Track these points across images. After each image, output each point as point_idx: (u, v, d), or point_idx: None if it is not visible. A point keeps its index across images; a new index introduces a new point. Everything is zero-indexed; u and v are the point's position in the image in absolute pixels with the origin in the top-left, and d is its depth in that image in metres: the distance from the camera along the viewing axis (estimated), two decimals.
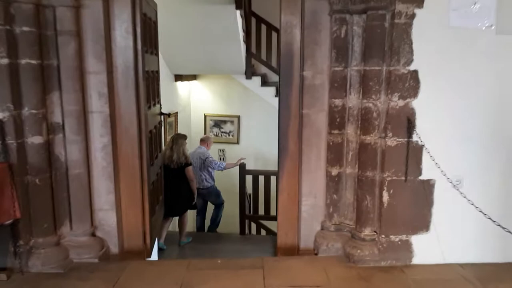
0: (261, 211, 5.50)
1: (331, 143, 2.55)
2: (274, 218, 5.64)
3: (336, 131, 2.53)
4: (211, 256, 4.86)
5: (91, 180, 2.57)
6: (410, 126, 2.30)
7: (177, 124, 6.35)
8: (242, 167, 5.34)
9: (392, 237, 2.43)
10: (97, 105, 2.50)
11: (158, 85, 3.40)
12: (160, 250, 4.44)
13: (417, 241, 2.43)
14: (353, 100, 2.47)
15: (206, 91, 7.31)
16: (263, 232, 5.89)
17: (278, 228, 2.83)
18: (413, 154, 2.33)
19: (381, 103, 2.35)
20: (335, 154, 2.55)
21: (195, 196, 4.78)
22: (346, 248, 2.53)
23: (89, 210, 2.57)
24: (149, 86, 2.94)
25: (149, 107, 2.95)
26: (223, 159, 7.41)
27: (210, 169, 5.35)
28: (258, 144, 7.29)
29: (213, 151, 7.16)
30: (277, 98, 6.24)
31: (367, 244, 2.46)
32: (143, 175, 2.74)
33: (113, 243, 2.67)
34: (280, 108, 2.72)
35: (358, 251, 2.45)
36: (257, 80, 6.25)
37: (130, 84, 2.59)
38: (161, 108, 3.53)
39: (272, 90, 6.23)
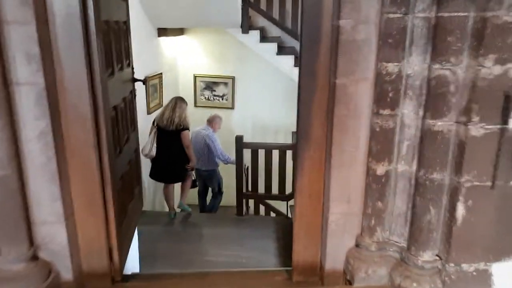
0: (261, 189, 4.77)
1: (377, 128, 1.74)
2: (276, 197, 4.99)
3: (385, 111, 1.70)
4: (205, 242, 4.19)
5: (25, 184, 1.75)
6: (508, 106, 1.49)
7: (162, 87, 5.45)
8: (239, 139, 4.53)
9: (465, 265, 1.69)
10: (25, 73, 1.63)
11: (127, 41, 2.51)
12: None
13: (500, 271, 1.69)
14: (415, 64, 1.62)
15: (195, 48, 6.34)
16: (261, 210, 5.21)
17: (294, 240, 2.08)
18: (507, 149, 1.54)
19: (463, 70, 1.52)
20: (382, 144, 1.75)
21: (194, 162, 4.50)
22: (395, 277, 1.78)
23: (24, 226, 1.77)
24: (110, 43, 2.05)
25: (112, 73, 2.08)
26: None
27: (212, 153, 4.94)
28: (256, 110, 6.45)
29: (204, 117, 6.35)
30: (279, 57, 5.39)
31: (427, 274, 1.72)
32: (103, 170, 1.92)
33: (64, 267, 1.90)
34: (300, 75, 1.87)
35: (414, 284, 1.71)
36: (255, 34, 5.29)
37: (76, 40, 1.70)
38: (133, 71, 2.65)
39: (273, 47, 5.30)
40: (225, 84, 6.42)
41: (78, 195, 1.89)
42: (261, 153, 4.55)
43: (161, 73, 5.39)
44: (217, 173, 5.24)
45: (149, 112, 4.99)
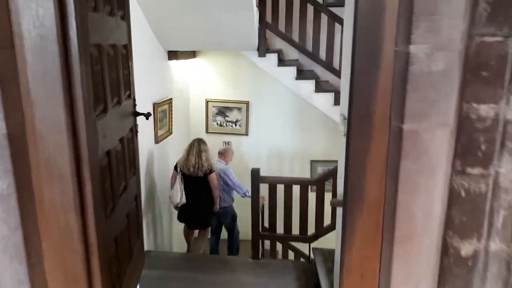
0: (280, 228, 4.26)
1: (461, 193, 1.26)
2: (297, 239, 4.48)
3: (475, 169, 1.23)
4: None
5: None
6: None
7: (171, 113, 5.04)
8: (255, 173, 4.05)
9: None
10: None
11: (128, 68, 2.09)
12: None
13: None
14: None
15: (208, 72, 5.96)
16: (278, 250, 4.68)
17: None
18: None
19: None
20: (469, 215, 1.26)
21: (217, 206, 4.41)
22: None
23: None
24: (102, 72, 1.62)
25: (104, 110, 1.64)
26: None
27: (229, 187, 4.65)
28: (272, 137, 5.99)
29: (216, 144, 5.92)
30: (298, 82, 4.97)
31: None
32: (88, 238, 1.46)
33: None
34: (350, 116, 1.41)
35: None
36: (272, 58, 4.88)
37: (51, 69, 1.26)
38: (135, 104, 2.22)
39: (291, 70, 4.88)
40: (239, 109, 6.00)
41: (54, 274, 1.43)
42: (280, 188, 4.07)
43: (171, 98, 4.99)
44: (232, 208, 4.86)
45: (157, 141, 4.57)
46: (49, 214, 1.37)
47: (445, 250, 1.31)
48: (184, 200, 4.24)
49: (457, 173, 1.25)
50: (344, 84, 2.39)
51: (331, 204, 2.47)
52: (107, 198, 1.63)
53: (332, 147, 5.86)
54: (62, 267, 1.43)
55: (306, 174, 6.00)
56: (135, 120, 2.22)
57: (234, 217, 4.89)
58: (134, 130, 2.18)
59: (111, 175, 1.70)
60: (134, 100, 2.20)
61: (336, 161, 5.77)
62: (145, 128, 4.21)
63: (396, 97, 1.31)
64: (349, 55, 1.39)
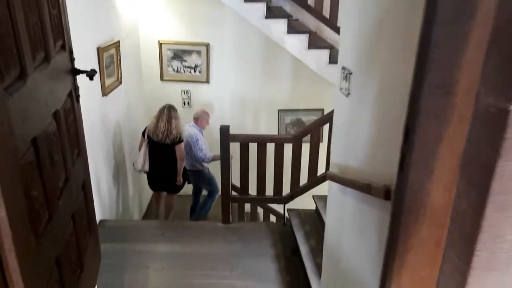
0: (253, 190, 3.87)
1: None
2: (272, 200, 4.12)
3: None
4: (184, 267, 3.29)
5: None
6: None
7: (120, 59, 4.28)
8: (224, 131, 3.55)
9: None
10: None
11: (58, 5, 1.42)
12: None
13: None
14: None
15: (160, 7, 5.11)
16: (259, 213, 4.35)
17: None
18: None
19: None
20: None
21: (179, 177, 4.23)
22: None
23: None
24: (11, 15, 0.99)
25: (21, 75, 1.04)
26: (188, 103, 5.51)
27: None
28: (236, 85, 5.41)
29: (173, 93, 5.28)
30: (268, 21, 4.32)
31: None
32: (7, 278, 0.94)
33: None
34: (417, 82, 0.92)
35: None
36: None
37: None
38: (72, 57, 1.58)
39: (260, 8, 4.21)
40: (198, 52, 5.29)
41: None
42: (252, 146, 3.61)
43: (118, 41, 4.20)
44: (205, 172, 4.55)
45: (105, 93, 3.86)
46: None
47: None
48: (146, 168, 4.17)
49: None
50: (350, 28, 1.87)
51: (327, 178, 2.05)
52: (37, 211, 1.08)
53: (303, 95, 5.41)
54: None
55: (273, 124, 5.57)
56: (74, 81, 1.59)
57: (209, 180, 4.61)
58: (73, 95, 1.57)
59: (42, 174, 1.14)
60: (71, 52, 1.56)
61: (312, 110, 5.29)
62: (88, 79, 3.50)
63: (496, 62, 0.83)
64: None
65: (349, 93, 1.90)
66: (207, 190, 4.71)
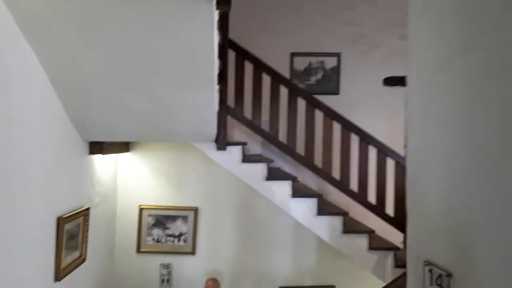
0: None
1: None
2: None
3: None
4: None
5: None
6: None
7: (86, 230, 3.45)
8: None
9: None
10: None
11: None
12: None
13: None
14: None
15: (144, 170, 4.55)
16: None
17: None
18: None
19: None
20: None
21: None
22: None
23: None
24: None
25: None
26: (168, 281, 4.48)
27: None
28: (228, 257, 4.51)
29: (149, 268, 4.32)
30: (270, 183, 3.58)
31: None
32: None
33: None
34: None
35: None
36: (235, 152, 3.67)
37: None
38: None
39: (260, 169, 3.67)
40: (184, 218, 4.53)
41: None
42: None
43: (87, 208, 3.45)
44: None
45: (58, 277, 2.91)
46: None
47: None
48: None
49: None
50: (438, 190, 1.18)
51: None
52: None
53: (309, 268, 4.51)
54: None
55: None
56: None
57: None
58: None
59: None
60: None
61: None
62: (35, 257, 2.61)
63: None
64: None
65: None
66: None
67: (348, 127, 3.55)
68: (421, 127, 1.27)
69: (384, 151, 3.49)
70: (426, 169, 1.21)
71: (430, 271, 1.08)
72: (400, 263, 3.44)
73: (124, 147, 4.32)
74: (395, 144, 3.56)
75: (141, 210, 4.50)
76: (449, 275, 1.01)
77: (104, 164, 3.99)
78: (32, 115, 2.53)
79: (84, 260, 3.42)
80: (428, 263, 1.10)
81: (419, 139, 1.28)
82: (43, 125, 2.69)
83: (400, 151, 3.52)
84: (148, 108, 3.08)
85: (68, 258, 3.14)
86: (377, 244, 3.56)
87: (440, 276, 1.04)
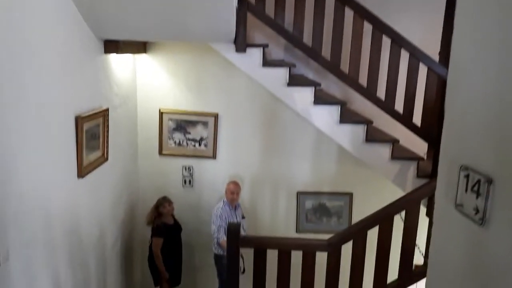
0: None
1: None
2: None
3: None
4: None
5: None
6: None
7: (107, 130, 3.48)
8: (233, 229, 2.60)
9: None
10: None
11: None
12: None
13: None
14: None
15: (162, 72, 4.43)
16: None
17: None
18: None
19: None
20: None
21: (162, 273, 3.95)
22: None
23: None
24: None
25: None
26: (190, 182, 4.62)
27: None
28: (248, 162, 4.55)
29: (173, 169, 4.43)
30: (291, 89, 3.23)
31: None
32: None
33: None
34: None
35: None
36: (255, 54, 3.45)
37: None
38: None
39: (281, 74, 3.47)
40: (205, 124, 4.51)
41: None
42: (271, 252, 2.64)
43: (106, 109, 3.43)
44: (222, 262, 3.90)
45: (81, 174, 3.00)
46: None
47: None
48: None
49: None
50: (474, 100, 1.02)
51: None
52: None
53: (327, 175, 4.52)
54: None
55: (291, 210, 4.61)
56: None
57: (221, 271, 4.01)
58: None
59: None
60: None
61: (338, 194, 4.24)
62: (58, 154, 2.66)
63: None
64: None
65: (484, 220, 0.99)
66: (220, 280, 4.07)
67: (380, 27, 3.22)
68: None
69: (417, 55, 3.18)
70: (474, 57, 1.02)
71: (467, 176, 0.96)
72: (422, 173, 3.35)
73: (140, 47, 4.16)
74: (430, 50, 3.24)
75: (161, 114, 4.48)
76: (489, 181, 0.89)
77: (121, 65, 3.87)
78: (42, 11, 2.38)
79: (106, 159, 3.49)
80: (465, 167, 0.98)
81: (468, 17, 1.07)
82: (54, 21, 2.55)
83: (435, 57, 3.21)
84: (163, 7, 2.87)
85: (90, 157, 3.20)
86: (400, 153, 3.45)
87: (478, 182, 0.92)
